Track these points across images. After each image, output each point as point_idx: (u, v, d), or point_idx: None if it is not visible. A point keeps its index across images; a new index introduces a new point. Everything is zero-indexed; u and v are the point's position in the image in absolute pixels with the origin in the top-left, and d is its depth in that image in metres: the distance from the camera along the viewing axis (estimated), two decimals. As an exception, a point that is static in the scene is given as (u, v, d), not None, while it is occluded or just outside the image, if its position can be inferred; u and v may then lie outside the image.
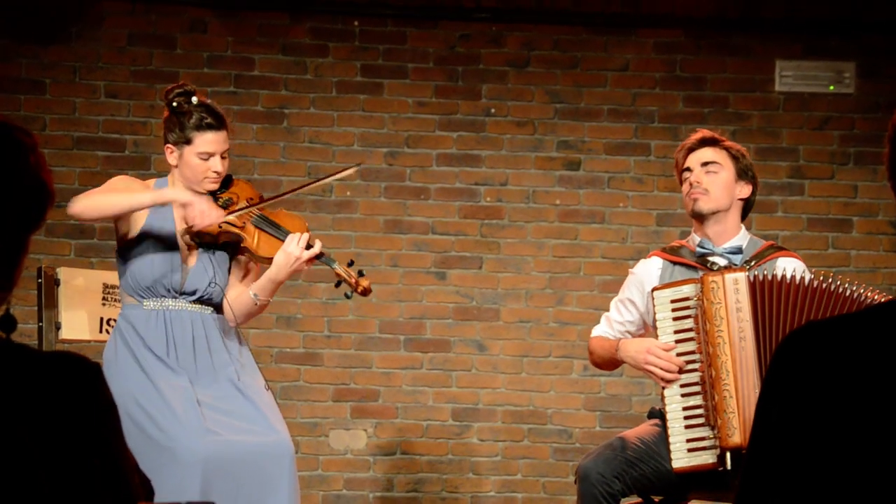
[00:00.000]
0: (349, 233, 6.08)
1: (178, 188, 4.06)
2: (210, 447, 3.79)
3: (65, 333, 4.34)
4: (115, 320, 4.28)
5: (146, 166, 5.97)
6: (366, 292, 4.03)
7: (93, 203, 3.93)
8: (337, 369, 6.07)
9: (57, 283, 4.35)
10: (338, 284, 4.08)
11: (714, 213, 4.12)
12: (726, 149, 4.19)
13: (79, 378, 1.73)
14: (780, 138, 6.20)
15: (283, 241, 4.03)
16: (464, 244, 6.14)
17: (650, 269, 4.19)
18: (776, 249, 4.17)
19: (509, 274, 6.13)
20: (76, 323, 4.36)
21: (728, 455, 3.82)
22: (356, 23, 6.14)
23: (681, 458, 3.92)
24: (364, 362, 6.07)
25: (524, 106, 6.18)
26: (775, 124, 6.20)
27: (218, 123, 4.04)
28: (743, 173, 4.18)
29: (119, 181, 4.10)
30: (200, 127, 4.02)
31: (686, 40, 6.18)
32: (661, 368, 3.95)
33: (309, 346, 6.07)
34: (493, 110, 6.17)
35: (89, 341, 4.47)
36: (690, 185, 4.14)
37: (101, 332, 4.37)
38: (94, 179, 5.97)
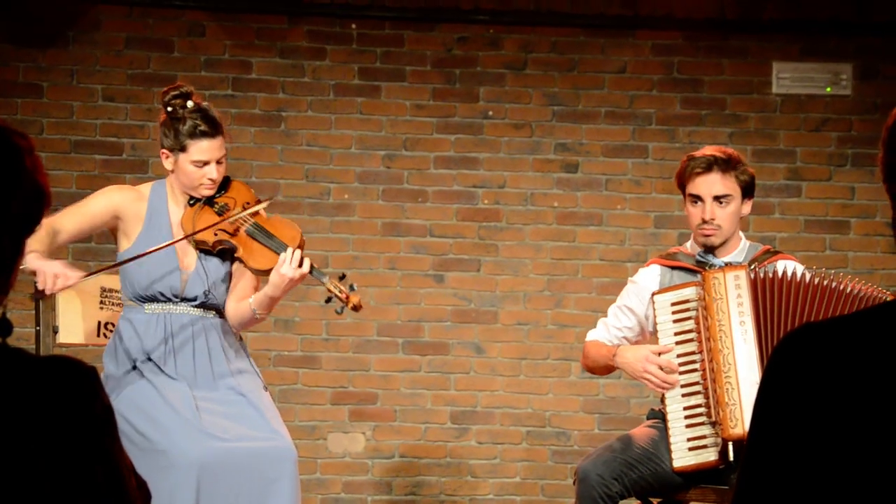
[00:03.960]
0: (347, 236, 6.08)
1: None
2: (208, 452, 3.77)
3: (62, 337, 4.33)
4: (113, 324, 4.28)
5: (144, 170, 5.97)
6: (356, 308, 3.96)
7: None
8: (335, 372, 6.07)
9: (54, 286, 4.34)
10: (328, 300, 4.02)
11: (724, 243, 4.11)
12: (735, 175, 4.06)
13: (75, 382, 1.73)
14: (778, 140, 6.20)
15: (275, 252, 3.98)
16: (462, 247, 6.14)
17: (650, 276, 4.19)
18: (774, 253, 4.18)
19: (507, 276, 6.13)
20: (74, 327, 4.35)
21: (731, 446, 3.84)
22: (353, 25, 6.14)
23: (682, 458, 3.93)
24: (362, 365, 6.07)
25: (522, 108, 6.18)
26: (772, 126, 6.20)
27: (213, 130, 3.99)
28: (747, 193, 4.11)
29: (106, 195, 4.07)
30: (195, 134, 3.96)
31: (683, 42, 6.18)
32: (658, 378, 3.97)
33: (307, 350, 6.06)
34: (490, 113, 6.17)
35: (87, 345, 4.46)
36: (703, 220, 4.05)
37: (98, 335, 4.37)
38: (92, 183, 5.96)
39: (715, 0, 6.10)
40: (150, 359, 3.97)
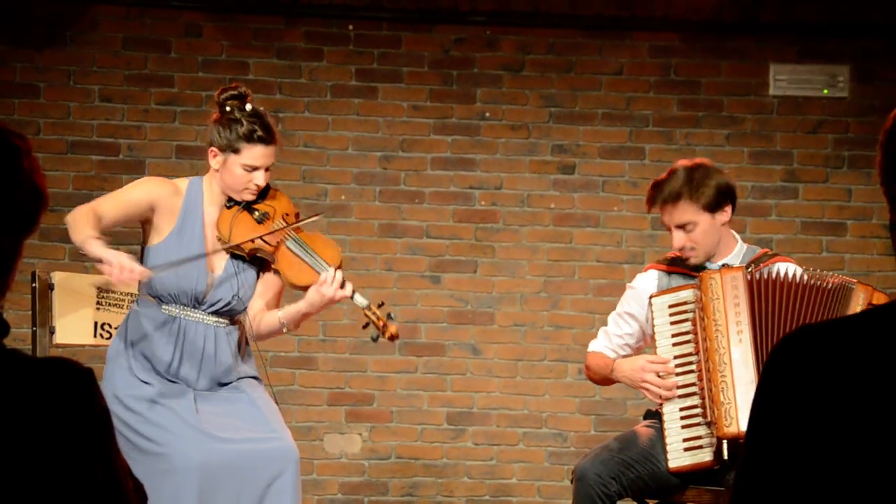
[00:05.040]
0: (344, 237, 6.07)
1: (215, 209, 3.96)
2: (209, 454, 3.75)
3: (59, 338, 4.33)
4: (109, 324, 4.26)
5: (140, 170, 5.97)
6: (393, 338, 3.94)
7: (73, 225, 3.78)
8: (332, 373, 6.07)
9: (51, 287, 4.34)
10: (365, 326, 3.99)
11: (712, 255, 4.12)
12: (694, 200, 4.02)
13: (72, 384, 1.73)
14: (775, 142, 6.20)
15: (315, 269, 3.96)
16: (458, 248, 6.14)
17: (648, 281, 4.20)
18: (771, 255, 4.18)
19: (504, 277, 6.13)
20: (70, 327, 4.35)
21: (725, 445, 3.84)
22: (351, 27, 6.14)
23: (677, 458, 3.94)
24: (359, 366, 6.07)
25: (519, 109, 6.18)
26: (769, 128, 6.20)
27: (269, 137, 3.95)
28: (716, 205, 4.04)
29: (145, 185, 3.98)
30: (251, 139, 3.92)
31: (680, 44, 6.19)
32: (657, 386, 3.98)
33: (304, 350, 6.06)
34: (487, 114, 6.17)
35: (84, 346, 4.46)
36: (680, 248, 4.08)
37: (95, 336, 4.36)
38: (89, 184, 5.97)
39: (712, 2, 6.11)
40: (154, 363, 3.94)
